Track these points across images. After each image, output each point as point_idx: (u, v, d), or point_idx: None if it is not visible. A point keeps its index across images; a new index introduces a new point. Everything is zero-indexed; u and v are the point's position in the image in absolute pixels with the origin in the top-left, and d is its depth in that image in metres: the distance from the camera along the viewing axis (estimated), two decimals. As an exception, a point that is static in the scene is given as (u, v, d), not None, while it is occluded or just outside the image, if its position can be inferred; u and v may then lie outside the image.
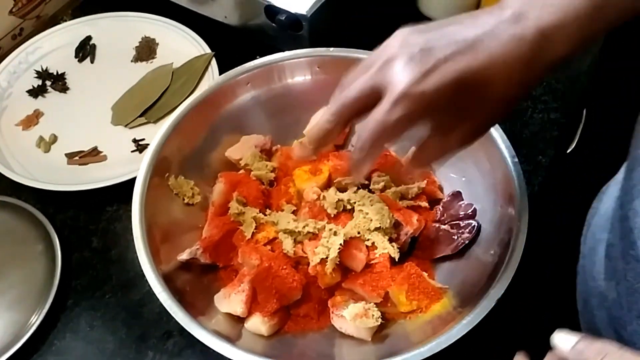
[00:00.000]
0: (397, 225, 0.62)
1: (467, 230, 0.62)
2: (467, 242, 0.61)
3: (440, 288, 0.59)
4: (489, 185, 0.63)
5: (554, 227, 0.67)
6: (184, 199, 0.66)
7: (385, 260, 0.59)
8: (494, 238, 0.60)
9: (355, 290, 0.59)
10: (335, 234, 0.60)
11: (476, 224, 0.62)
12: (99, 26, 0.91)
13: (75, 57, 0.89)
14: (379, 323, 0.56)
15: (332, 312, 0.59)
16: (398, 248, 0.60)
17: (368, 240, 0.60)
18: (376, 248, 0.59)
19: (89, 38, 0.90)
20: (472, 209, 0.63)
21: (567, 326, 0.37)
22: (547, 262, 0.69)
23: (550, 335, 0.37)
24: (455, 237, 0.62)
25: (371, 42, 0.71)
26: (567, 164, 0.77)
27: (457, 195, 0.66)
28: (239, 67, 0.70)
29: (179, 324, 0.53)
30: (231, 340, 0.54)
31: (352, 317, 0.56)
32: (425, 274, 0.59)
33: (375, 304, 0.58)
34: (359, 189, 0.65)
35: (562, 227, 0.66)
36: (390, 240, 0.60)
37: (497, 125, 0.63)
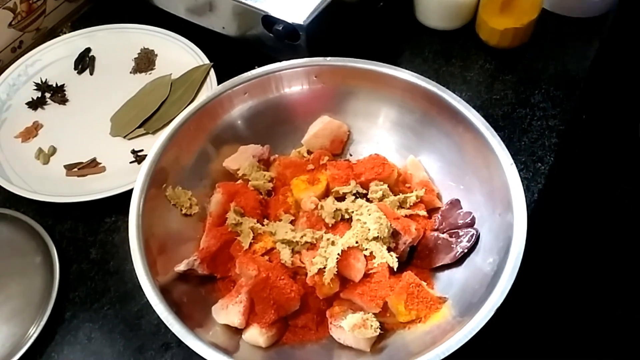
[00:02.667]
0: (395, 235, 0.61)
1: (466, 238, 0.61)
2: (466, 250, 0.61)
3: (439, 297, 0.59)
4: (487, 193, 0.63)
5: (553, 235, 0.67)
6: (181, 210, 0.66)
7: (383, 269, 0.59)
8: (493, 246, 0.59)
9: (354, 300, 0.59)
10: (333, 243, 0.59)
11: (475, 233, 0.61)
12: (98, 38, 0.91)
13: (75, 69, 0.89)
14: (377, 333, 0.56)
15: (331, 323, 0.58)
16: (397, 257, 0.59)
17: (366, 249, 0.59)
18: (374, 257, 0.59)
19: (88, 50, 0.90)
20: (470, 217, 0.63)
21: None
22: (547, 270, 0.68)
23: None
24: (454, 246, 0.61)
25: (368, 51, 0.71)
26: (567, 171, 0.77)
27: (455, 204, 0.65)
28: (236, 77, 0.70)
29: (177, 335, 0.53)
30: (229, 352, 0.53)
31: (350, 327, 0.56)
32: (424, 284, 0.59)
33: (373, 314, 0.58)
34: (357, 198, 0.64)
35: (561, 234, 0.65)
36: (389, 250, 0.60)
37: (495, 133, 0.62)
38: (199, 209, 0.66)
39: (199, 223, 0.66)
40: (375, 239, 0.59)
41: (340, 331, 0.57)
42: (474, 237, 0.61)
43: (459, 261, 0.61)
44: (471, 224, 0.63)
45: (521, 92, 0.81)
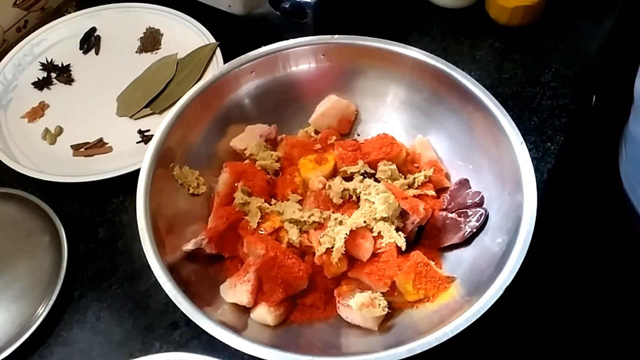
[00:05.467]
0: (403, 214, 0.61)
1: (475, 218, 0.61)
2: (474, 230, 0.61)
3: (447, 277, 0.59)
4: (496, 173, 0.62)
5: (562, 215, 0.66)
6: (189, 189, 0.66)
7: (391, 249, 0.58)
8: (501, 226, 0.59)
9: (362, 279, 0.59)
10: (341, 223, 0.59)
11: (484, 212, 0.61)
12: (103, 17, 0.90)
13: (80, 48, 0.89)
14: (385, 312, 0.56)
15: (339, 302, 0.58)
16: (405, 237, 0.59)
17: (374, 229, 0.59)
18: (382, 237, 0.59)
19: (93, 29, 0.90)
20: (479, 196, 0.63)
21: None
22: (556, 250, 0.68)
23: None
24: (463, 226, 0.61)
25: (376, 30, 0.70)
26: (577, 151, 0.76)
27: (464, 183, 0.65)
28: (243, 56, 0.70)
29: (185, 314, 0.53)
30: (237, 330, 0.53)
31: (358, 306, 0.56)
32: (432, 263, 0.59)
33: (381, 293, 0.58)
34: (365, 178, 0.64)
35: (571, 214, 0.65)
36: (397, 230, 0.60)
37: (505, 111, 0.62)
38: (207, 188, 0.66)
39: (207, 203, 0.66)
40: (384, 218, 0.59)
41: (348, 310, 0.57)
42: (482, 217, 0.61)
43: (467, 241, 0.61)
44: (480, 204, 0.62)
45: (531, 71, 0.80)
